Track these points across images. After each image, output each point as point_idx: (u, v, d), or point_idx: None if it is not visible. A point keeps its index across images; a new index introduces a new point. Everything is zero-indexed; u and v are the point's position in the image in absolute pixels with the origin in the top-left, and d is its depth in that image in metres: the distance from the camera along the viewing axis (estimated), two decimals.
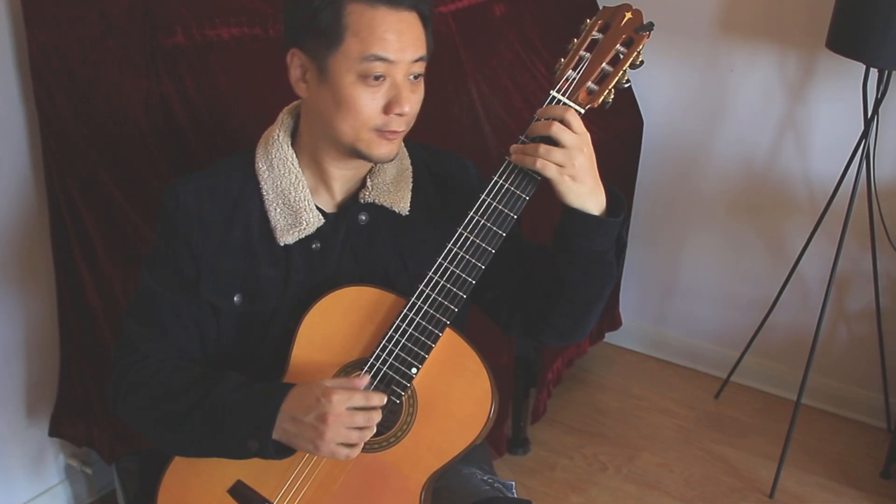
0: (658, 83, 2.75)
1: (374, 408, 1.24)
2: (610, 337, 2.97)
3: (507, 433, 2.45)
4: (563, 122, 1.22)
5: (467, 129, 2.13)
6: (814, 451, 2.60)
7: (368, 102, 1.26)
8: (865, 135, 2.29)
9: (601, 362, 2.99)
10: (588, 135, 1.24)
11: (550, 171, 1.22)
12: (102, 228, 1.82)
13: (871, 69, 2.24)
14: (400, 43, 1.24)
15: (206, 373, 1.33)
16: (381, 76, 1.25)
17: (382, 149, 1.30)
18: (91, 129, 1.78)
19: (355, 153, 1.30)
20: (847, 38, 2.14)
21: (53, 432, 2.07)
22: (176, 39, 1.69)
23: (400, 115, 1.27)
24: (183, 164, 1.75)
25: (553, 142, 1.22)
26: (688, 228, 2.87)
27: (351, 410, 1.21)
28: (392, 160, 1.33)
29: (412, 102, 1.28)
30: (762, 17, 2.57)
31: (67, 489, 2.20)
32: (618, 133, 2.60)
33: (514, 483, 1.52)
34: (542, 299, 1.35)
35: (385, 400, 1.26)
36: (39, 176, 1.91)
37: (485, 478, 1.49)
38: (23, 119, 1.87)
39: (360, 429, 1.22)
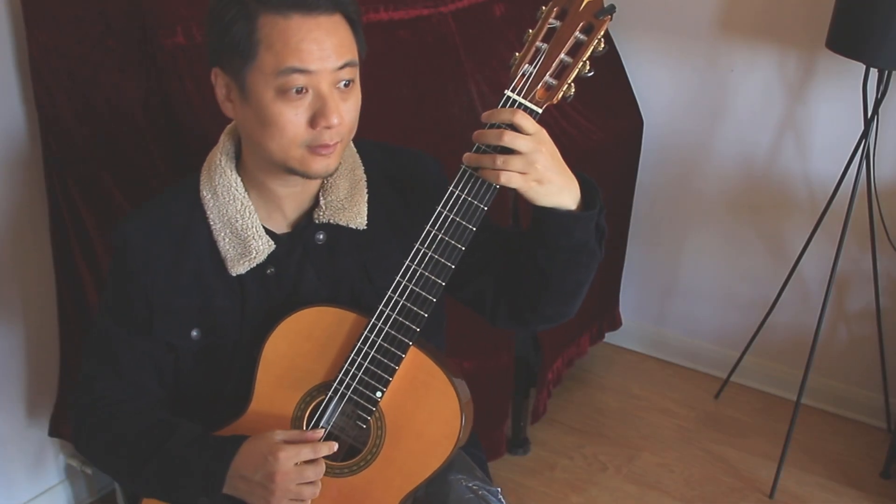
0: (658, 83, 2.75)
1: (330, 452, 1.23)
2: (610, 337, 2.97)
3: (507, 433, 2.45)
4: (513, 126, 1.14)
5: (467, 129, 2.12)
6: (814, 451, 2.60)
7: (292, 118, 1.18)
8: (865, 135, 2.29)
9: (601, 362, 2.98)
10: (543, 131, 1.16)
11: (515, 182, 1.15)
12: (102, 228, 1.82)
13: (871, 69, 2.24)
14: (320, 51, 1.17)
15: (160, 421, 1.30)
16: (302, 89, 1.17)
17: (317, 165, 1.22)
18: (91, 129, 1.78)
19: (290, 171, 1.23)
20: (847, 38, 2.14)
21: (53, 432, 2.07)
22: (176, 39, 1.69)
23: (328, 127, 1.19)
24: (183, 164, 1.75)
25: (509, 148, 1.15)
26: (688, 228, 2.87)
27: (300, 466, 1.19)
28: (333, 174, 1.27)
29: (342, 112, 1.20)
30: (762, 17, 2.56)
31: (67, 489, 2.20)
32: (618, 133, 2.60)
33: (499, 489, 1.49)
34: (527, 290, 1.30)
35: (335, 447, 1.24)
36: (39, 176, 1.91)
37: (469, 484, 1.46)
38: (23, 119, 1.87)
39: (312, 482, 1.21)
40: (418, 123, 2.05)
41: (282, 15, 1.16)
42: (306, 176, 1.25)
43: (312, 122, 1.19)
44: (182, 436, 1.27)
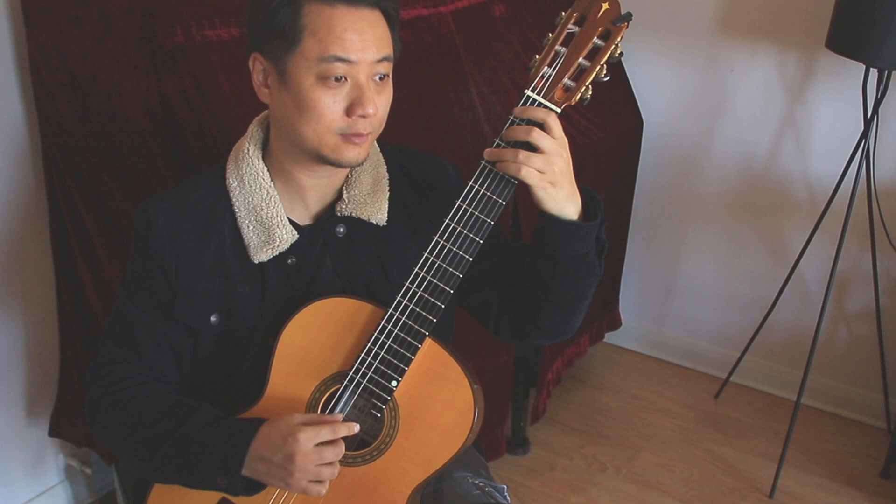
0: (658, 83, 2.75)
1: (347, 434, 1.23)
2: (610, 337, 2.97)
3: (507, 433, 2.45)
4: (542, 126, 1.19)
5: (467, 129, 2.13)
6: (814, 451, 2.60)
7: (330, 105, 1.22)
8: (865, 135, 2.29)
9: (601, 362, 2.99)
10: (566, 139, 1.21)
11: (532, 178, 1.19)
12: (102, 228, 1.82)
13: (871, 69, 2.24)
14: (361, 42, 1.21)
15: (180, 402, 1.31)
16: (342, 77, 1.21)
17: (349, 153, 1.25)
18: (91, 129, 1.78)
19: (321, 159, 1.26)
20: (847, 38, 2.14)
21: (53, 432, 2.07)
22: (176, 39, 1.69)
23: (364, 116, 1.23)
24: (183, 164, 1.75)
25: (530, 146, 1.19)
26: (688, 228, 2.88)
27: (319, 447, 1.20)
28: (361, 164, 1.30)
29: (377, 104, 1.24)
30: (762, 17, 2.57)
31: (67, 489, 2.20)
32: (618, 133, 2.60)
33: (505, 487, 1.50)
34: (528, 302, 1.33)
35: (355, 429, 1.24)
36: (39, 176, 1.91)
37: (476, 481, 1.48)
38: (23, 119, 1.87)
39: (331, 463, 1.21)
40: (418, 123, 2.05)
41: (328, 4, 1.21)
42: (337, 164, 1.27)
43: (349, 110, 1.23)
44: (201, 417, 1.28)
